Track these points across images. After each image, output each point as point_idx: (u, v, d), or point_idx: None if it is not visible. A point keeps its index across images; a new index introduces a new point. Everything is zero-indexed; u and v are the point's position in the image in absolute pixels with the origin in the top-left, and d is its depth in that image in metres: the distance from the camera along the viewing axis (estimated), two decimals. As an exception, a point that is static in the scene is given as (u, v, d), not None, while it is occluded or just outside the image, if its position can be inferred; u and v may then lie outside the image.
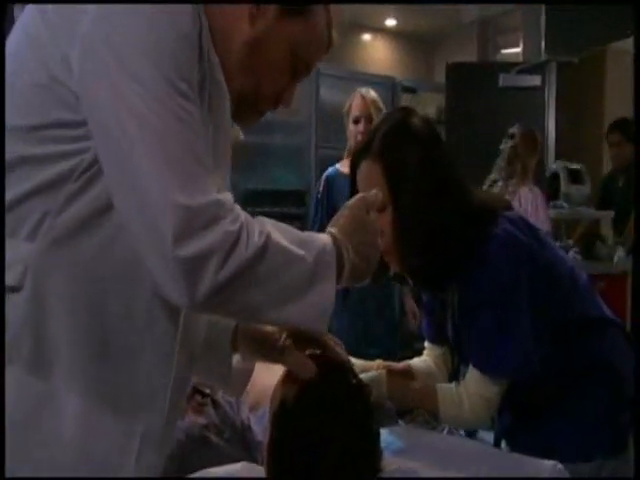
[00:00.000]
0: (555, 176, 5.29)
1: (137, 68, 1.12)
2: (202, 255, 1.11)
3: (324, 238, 1.28)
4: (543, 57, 6.43)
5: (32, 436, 1.16)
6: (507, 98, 6.44)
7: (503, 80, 6.52)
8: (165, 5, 1.15)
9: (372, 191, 1.41)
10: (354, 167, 1.85)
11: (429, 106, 7.40)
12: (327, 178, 3.70)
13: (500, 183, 4.72)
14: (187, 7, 1.16)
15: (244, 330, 1.49)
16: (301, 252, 1.22)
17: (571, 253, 4.98)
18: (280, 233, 1.21)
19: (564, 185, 5.20)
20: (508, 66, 6.66)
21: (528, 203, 4.65)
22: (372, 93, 3.68)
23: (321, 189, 3.68)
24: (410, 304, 3.62)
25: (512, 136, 4.82)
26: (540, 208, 4.66)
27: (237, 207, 1.18)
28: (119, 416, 1.21)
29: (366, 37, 8.75)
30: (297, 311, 1.22)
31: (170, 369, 1.26)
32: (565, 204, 5.25)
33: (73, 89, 1.15)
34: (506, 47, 8.17)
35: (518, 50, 7.46)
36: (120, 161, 1.12)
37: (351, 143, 3.60)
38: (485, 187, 4.69)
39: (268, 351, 1.45)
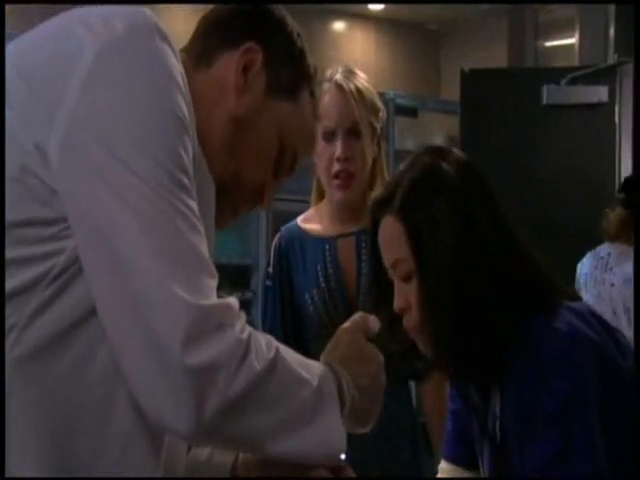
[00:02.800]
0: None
1: (133, 161, 1.16)
2: (213, 365, 1.14)
3: (320, 365, 1.35)
4: (612, 58, 5.91)
5: None
6: (555, 122, 5.64)
7: (549, 94, 5.65)
8: (158, 78, 1.22)
9: (372, 316, 1.51)
10: (374, 223, 1.84)
11: (435, 134, 7.02)
12: (281, 244, 2.74)
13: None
14: (179, 79, 1.24)
15: (249, 458, 1.53)
16: (306, 374, 1.27)
17: None
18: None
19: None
20: (556, 73, 5.84)
21: None
22: (358, 79, 2.62)
23: (271, 264, 2.73)
24: None
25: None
26: None
27: (243, 313, 1.23)
28: None
29: (338, 27, 8.07)
30: (305, 442, 1.27)
31: None
32: None
33: (48, 182, 1.18)
34: (552, 39, 7.50)
35: (572, 41, 6.90)
36: (114, 262, 1.15)
37: (322, 178, 2.63)
38: None
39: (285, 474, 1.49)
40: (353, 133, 2.56)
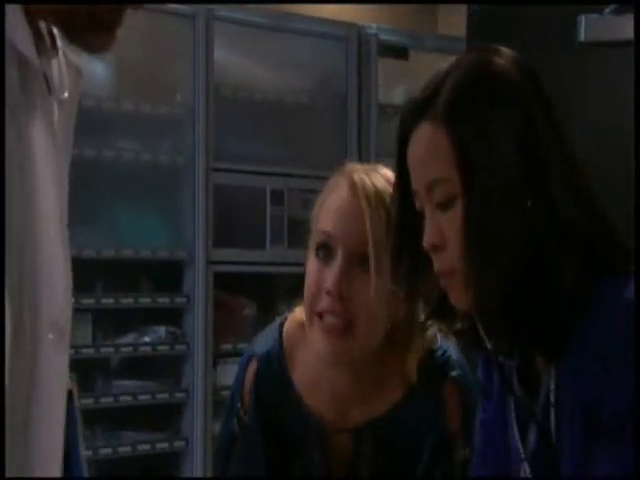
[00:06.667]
0: None
1: None
2: None
3: None
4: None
5: None
6: (596, 64, 4.69)
7: (588, 28, 4.71)
8: None
9: None
10: (404, 131, 1.73)
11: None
12: (258, 385, 2.38)
13: None
14: None
15: None
16: None
17: None
18: None
19: None
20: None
21: None
22: (379, 177, 2.16)
23: (246, 404, 2.41)
24: None
25: None
26: None
27: None
28: None
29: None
30: None
31: None
32: None
33: None
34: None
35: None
36: None
37: (305, 306, 2.19)
38: None
39: None
40: (359, 261, 2.12)
